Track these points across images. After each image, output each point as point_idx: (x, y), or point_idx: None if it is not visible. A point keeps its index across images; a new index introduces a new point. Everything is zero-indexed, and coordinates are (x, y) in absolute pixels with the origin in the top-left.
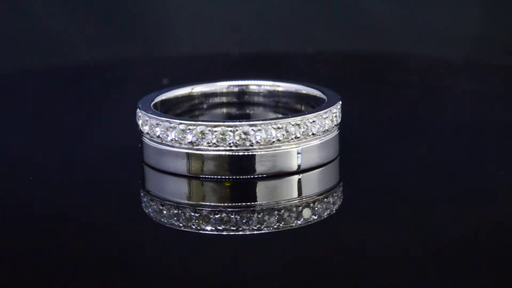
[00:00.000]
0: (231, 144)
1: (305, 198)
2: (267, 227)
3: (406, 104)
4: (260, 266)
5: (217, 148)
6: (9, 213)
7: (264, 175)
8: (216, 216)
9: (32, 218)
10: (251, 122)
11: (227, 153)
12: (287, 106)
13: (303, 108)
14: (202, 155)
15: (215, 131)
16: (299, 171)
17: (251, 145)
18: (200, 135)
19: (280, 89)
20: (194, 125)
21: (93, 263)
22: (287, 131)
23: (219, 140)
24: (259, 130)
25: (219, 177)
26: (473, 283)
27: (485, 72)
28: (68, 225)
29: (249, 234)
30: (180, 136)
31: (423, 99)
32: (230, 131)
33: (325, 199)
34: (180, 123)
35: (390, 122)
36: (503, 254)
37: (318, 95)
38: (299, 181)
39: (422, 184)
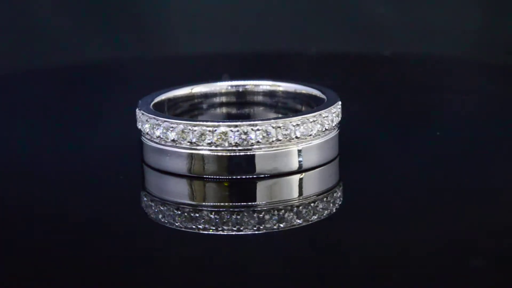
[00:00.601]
0: (211, 144)
1: (303, 198)
2: (245, 228)
3: (406, 104)
4: (259, 266)
5: (199, 148)
6: (9, 212)
7: (261, 176)
8: (197, 215)
9: (31, 217)
10: (230, 123)
11: (225, 153)
12: (287, 106)
13: (303, 108)
14: (187, 153)
15: (195, 130)
16: (298, 171)
17: (230, 145)
18: (181, 133)
19: (280, 89)
20: (176, 123)
21: (93, 263)
22: (267, 133)
23: (198, 139)
24: (237, 131)
25: (216, 177)
26: (473, 283)
27: (485, 72)
28: (68, 225)
29: (249, 234)
30: (164, 134)
31: (423, 99)
32: (209, 131)
33: (325, 199)
34: (165, 121)
35: (390, 122)
36: (503, 255)
37: (318, 95)
38: (299, 181)
39: (422, 184)
